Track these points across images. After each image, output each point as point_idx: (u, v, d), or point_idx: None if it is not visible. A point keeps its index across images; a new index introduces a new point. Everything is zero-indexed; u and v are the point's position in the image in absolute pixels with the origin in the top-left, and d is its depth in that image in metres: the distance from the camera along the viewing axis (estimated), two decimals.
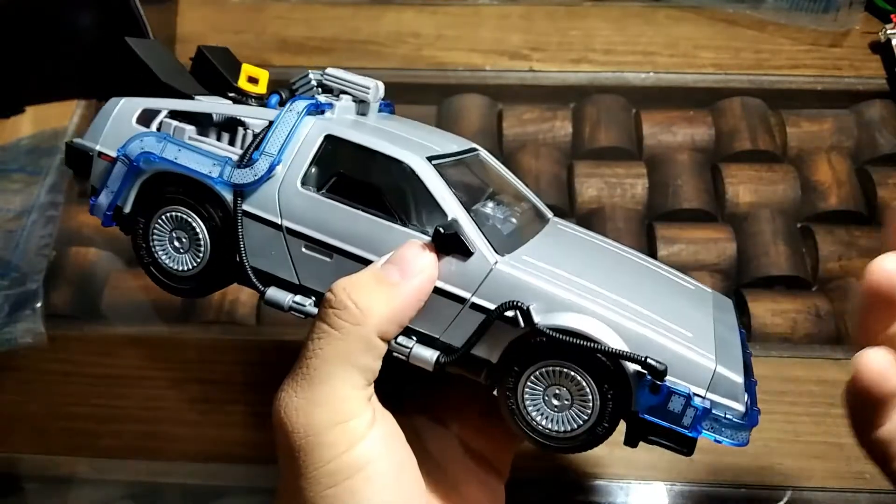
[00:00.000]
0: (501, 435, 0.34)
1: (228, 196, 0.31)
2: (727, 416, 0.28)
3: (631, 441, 0.30)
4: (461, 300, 0.29)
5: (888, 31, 0.60)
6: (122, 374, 0.49)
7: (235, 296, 0.52)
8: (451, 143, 0.36)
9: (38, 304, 0.50)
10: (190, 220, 0.32)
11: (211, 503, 0.45)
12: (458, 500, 0.33)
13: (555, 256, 0.32)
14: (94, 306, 0.52)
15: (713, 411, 0.28)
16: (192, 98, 0.35)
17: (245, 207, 0.31)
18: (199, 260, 0.33)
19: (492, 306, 0.29)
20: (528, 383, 0.29)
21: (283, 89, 0.35)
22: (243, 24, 0.66)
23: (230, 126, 0.33)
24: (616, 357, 0.28)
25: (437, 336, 0.30)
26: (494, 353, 0.29)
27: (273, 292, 0.31)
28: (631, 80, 0.61)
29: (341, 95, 0.35)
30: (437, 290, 0.29)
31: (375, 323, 0.28)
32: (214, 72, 0.36)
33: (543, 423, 0.30)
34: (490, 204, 0.34)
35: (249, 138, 0.33)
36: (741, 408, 0.28)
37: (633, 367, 0.28)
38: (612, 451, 0.44)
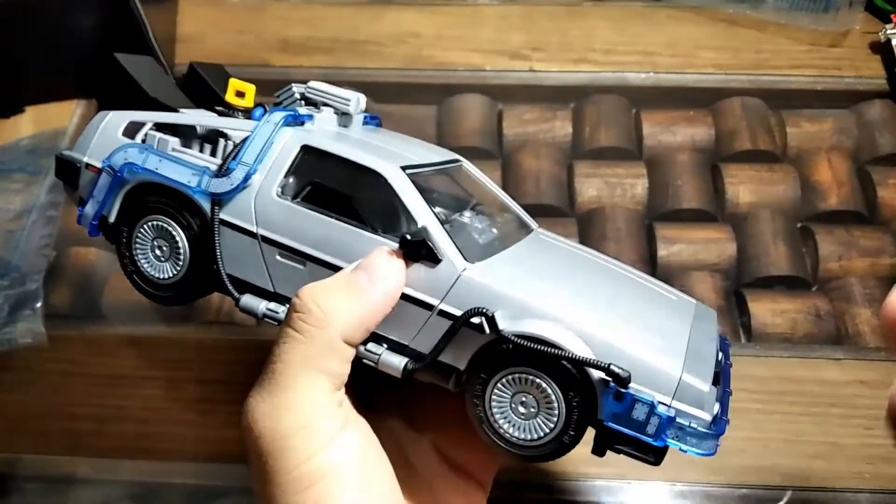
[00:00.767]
0: (483, 447, 0.34)
1: (206, 205, 0.32)
2: (692, 424, 0.27)
3: (598, 450, 0.29)
4: (429, 307, 0.29)
5: (888, 31, 0.60)
6: (121, 375, 0.49)
7: None
8: (431, 154, 0.36)
9: (38, 304, 0.50)
10: (170, 228, 0.33)
11: (210, 503, 0.45)
12: None
13: (529, 265, 0.32)
14: (94, 306, 0.52)
15: (678, 420, 0.27)
16: (177, 111, 0.35)
17: (222, 216, 0.32)
18: (178, 268, 0.33)
19: (459, 313, 0.29)
20: (495, 390, 0.29)
21: (268, 103, 0.36)
22: (244, 24, 0.66)
23: (213, 138, 0.34)
24: (580, 364, 0.28)
25: (407, 343, 0.30)
26: (462, 360, 0.29)
27: (247, 299, 0.32)
28: (631, 81, 0.61)
29: (323, 108, 0.35)
30: (405, 297, 0.29)
31: (340, 327, 0.28)
32: (205, 87, 0.37)
33: (511, 431, 0.29)
34: (468, 213, 0.34)
35: (230, 149, 0.33)
36: (707, 417, 0.28)
37: (597, 374, 0.28)
38: (611, 452, 0.44)
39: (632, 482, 0.44)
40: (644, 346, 0.29)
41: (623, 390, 0.27)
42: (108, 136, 0.35)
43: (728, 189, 0.55)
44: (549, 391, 0.28)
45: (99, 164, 0.34)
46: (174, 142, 0.34)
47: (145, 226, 0.34)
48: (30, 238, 0.53)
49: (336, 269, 0.30)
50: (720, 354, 0.32)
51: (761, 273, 0.52)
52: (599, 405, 0.28)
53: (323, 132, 0.34)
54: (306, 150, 0.32)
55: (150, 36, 0.57)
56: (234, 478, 0.45)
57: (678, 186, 0.56)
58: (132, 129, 0.35)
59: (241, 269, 0.32)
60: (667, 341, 0.30)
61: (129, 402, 0.48)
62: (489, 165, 0.57)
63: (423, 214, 0.30)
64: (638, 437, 0.28)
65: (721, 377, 0.31)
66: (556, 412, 0.29)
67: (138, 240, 0.34)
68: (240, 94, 0.36)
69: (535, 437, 0.29)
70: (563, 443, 0.29)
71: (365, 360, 0.30)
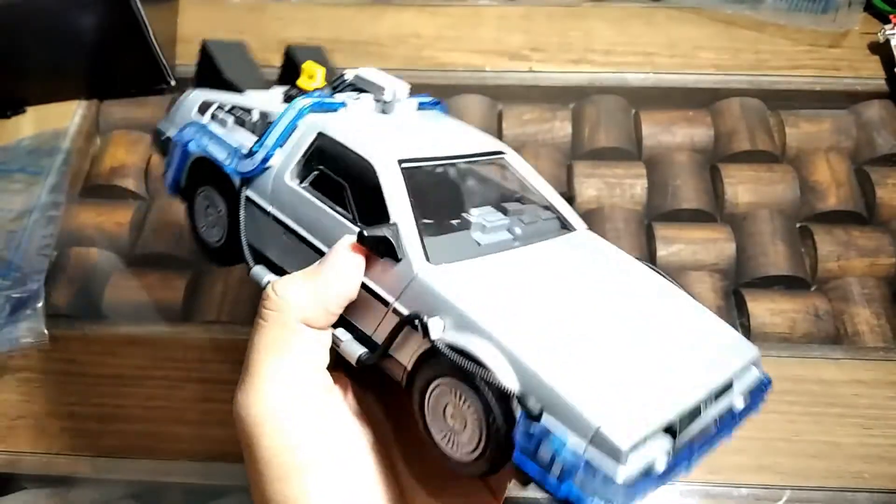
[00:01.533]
0: None
1: (237, 181, 0.35)
2: (603, 476, 0.24)
3: (521, 479, 0.27)
4: (386, 303, 0.29)
5: (887, 32, 0.60)
6: (123, 374, 0.49)
7: (235, 295, 0.52)
8: (466, 146, 0.35)
9: (40, 304, 0.51)
10: (216, 198, 0.37)
11: (211, 502, 0.45)
12: None
13: (512, 273, 0.30)
14: (96, 306, 0.52)
15: (586, 467, 0.24)
16: (241, 92, 0.38)
17: (249, 193, 0.34)
18: (222, 234, 0.37)
19: (407, 313, 0.28)
20: (430, 397, 0.28)
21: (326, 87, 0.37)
22: (244, 25, 0.66)
23: (260, 120, 0.36)
24: (492, 388, 0.26)
25: (370, 334, 0.30)
26: (409, 361, 0.29)
27: (257, 270, 0.34)
28: (630, 81, 0.61)
29: (362, 95, 0.36)
30: (368, 290, 0.30)
31: (293, 308, 0.29)
32: (212, 66, 0.40)
33: (441, 440, 0.28)
34: (484, 210, 0.33)
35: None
36: (618, 475, 0.24)
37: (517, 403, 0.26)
38: None
39: None
40: (579, 386, 0.25)
41: (532, 424, 0.25)
42: (185, 112, 0.39)
43: (727, 189, 0.56)
44: (474, 409, 0.27)
45: (174, 137, 0.38)
46: (231, 122, 0.37)
47: (201, 194, 0.38)
48: (31, 238, 0.53)
49: (322, 254, 0.31)
50: (740, 403, 0.29)
51: (760, 273, 0.52)
52: (514, 435, 0.26)
53: (346, 119, 0.34)
54: (321, 136, 0.33)
55: (151, 37, 0.58)
56: (235, 477, 0.45)
57: (677, 186, 0.56)
58: (204, 107, 0.38)
59: (260, 242, 0.35)
60: (625, 386, 0.26)
61: (130, 402, 0.48)
62: None
63: (398, 210, 0.30)
64: (543, 476, 0.25)
65: (713, 429, 0.28)
66: (480, 432, 0.27)
67: (196, 205, 0.38)
68: (311, 77, 0.37)
69: (462, 452, 0.28)
70: (489, 464, 0.27)
71: (333, 345, 0.31)
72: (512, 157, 0.37)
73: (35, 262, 0.52)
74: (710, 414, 0.28)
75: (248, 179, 0.34)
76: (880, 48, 0.61)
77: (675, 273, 0.53)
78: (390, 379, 0.30)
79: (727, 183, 0.56)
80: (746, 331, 0.50)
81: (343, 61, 0.63)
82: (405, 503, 0.31)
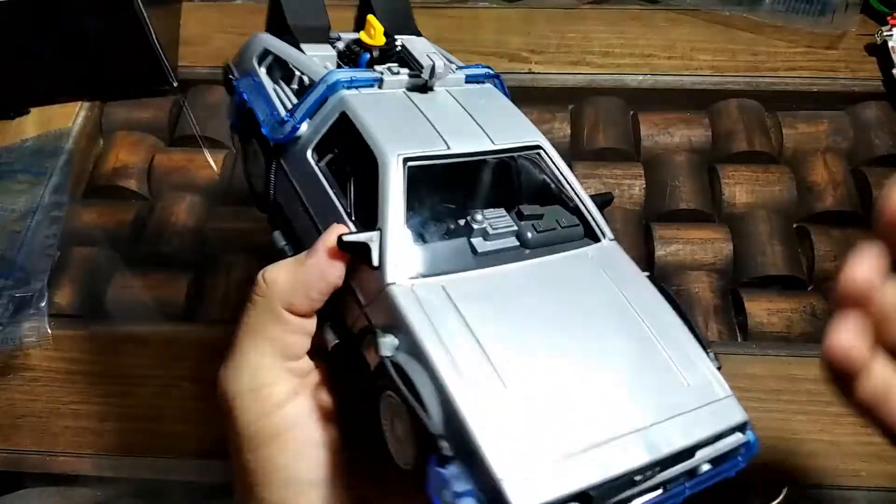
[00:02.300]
0: None
1: (271, 144, 0.34)
2: None
3: None
4: (360, 305, 0.30)
5: (884, 33, 0.61)
6: (125, 373, 0.49)
7: (237, 295, 0.52)
8: (494, 137, 0.32)
9: (43, 304, 0.51)
10: (259, 152, 0.36)
11: (214, 500, 0.45)
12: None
13: (487, 294, 0.28)
14: (98, 306, 0.53)
15: None
16: (299, 48, 0.37)
17: (281, 159, 0.34)
18: (263, 186, 0.36)
19: (372, 321, 0.29)
20: (381, 403, 0.28)
21: (376, 49, 0.36)
22: (247, 26, 0.65)
23: (302, 86, 0.36)
24: (414, 416, 0.25)
25: (349, 326, 0.31)
26: (373, 363, 0.28)
27: (276, 236, 0.34)
28: (629, 82, 0.62)
29: (402, 69, 0.34)
30: (349, 287, 0.30)
31: (277, 293, 0.30)
32: (279, 11, 0.38)
33: (390, 444, 0.28)
34: (491, 213, 0.31)
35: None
36: None
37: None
38: None
39: None
40: (500, 434, 0.24)
41: (437, 469, 0.24)
42: (247, 58, 0.38)
43: (725, 190, 0.56)
44: (407, 431, 0.26)
45: (234, 83, 0.38)
46: (280, 79, 0.36)
47: (249, 145, 0.38)
48: (34, 238, 0.54)
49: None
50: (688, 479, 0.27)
51: (757, 273, 0.52)
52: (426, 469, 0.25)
53: (372, 100, 0.33)
54: (342, 116, 0.32)
55: (154, 38, 0.58)
56: None
57: (675, 187, 0.56)
58: (262, 56, 0.37)
59: (288, 208, 0.34)
60: (552, 439, 0.24)
61: (132, 401, 0.48)
62: None
63: (389, 215, 0.28)
64: None
65: (659, 497, 0.26)
66: (413, 451, 0.26)
67: (247, 151, 0.38)
68: (368, 33, 0.36)
69: (402, 461, 0.27)
70: (420, 483, 0.26)
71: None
72: (548, 152, 0.33)
73: (38, 262, 0.53)
74: (655, 481, 0.26)
75: (280, 145, 0.34)
76: (877, 50, 0.61)
77: (674, 273, 0.53)
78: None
79: (725, 183, 0.56)
80: (744, 330, 0.50)
81: None
82: (369, 474, 0.32)
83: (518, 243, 0.30)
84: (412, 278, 0.28)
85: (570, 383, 0.26)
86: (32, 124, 0.60)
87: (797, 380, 0.47)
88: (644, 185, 0.57)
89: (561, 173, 0.33)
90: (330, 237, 0.30)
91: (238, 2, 0.69)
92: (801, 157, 0.58)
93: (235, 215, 0.56)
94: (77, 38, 0.57)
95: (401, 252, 0.28)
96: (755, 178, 0.56)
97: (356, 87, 0.33)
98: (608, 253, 0.31)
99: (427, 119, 0.32)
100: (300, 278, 0.30)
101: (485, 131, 0.32)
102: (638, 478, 0.25)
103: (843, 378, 0.28)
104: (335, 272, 0.30)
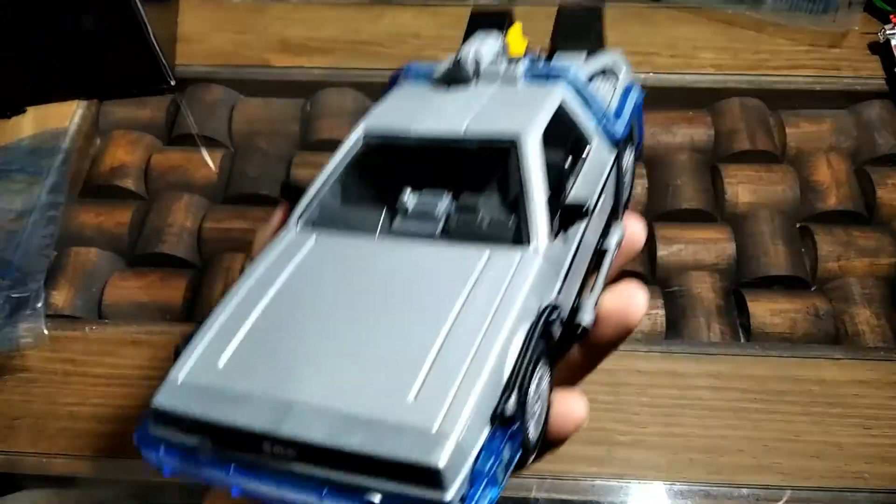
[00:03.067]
0: None
1: None
2: None
3: None
4: None
5: (887, 32, 0.60)
6: (123, 374, 0.49)
7: None
8: (467, 127, 0.31)
9: (40, 304, 0.50)
10: None
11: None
12: None
13: (344, 260, 0.28)
14: (95, 306, 0.52)
15: None
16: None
17: None
18: None
19: None
20: None
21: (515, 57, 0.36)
22: (245, 25, 0.66)
23: None
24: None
25: None
26: None
27: None
28: None
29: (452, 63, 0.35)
30: None
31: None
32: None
33: None
34: (421, 195, 0.30)
35: None
36: None
37: None
38: (611, 451, 0.45)
39: (631, 482, 0.44)
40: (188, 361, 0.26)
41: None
42: None
43: (727, 189, 0.56)
44: None
45: None
46: None
47: None
48: (31, 238, 0.53)
49: None
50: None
51: (760, 273, 0.52)
52: None
53: (416, 88, 0.35)
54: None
55: (151, 37, 0.58)
56: None
57: (677, 186, 0.56)
58: None
59: None
60: (220, 374, 0.25)
61: (130, 402, 0.48)
62: None
63: (320, 175, 0.31)
64: None
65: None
66: None
67: None
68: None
69: None
70: None
71: None
72: (523, 148, 0.30)
73: (35, 263, 0.52)
74: (295, 466, 0.23)
75: None
76: (880, 48, 0.61)
77: (676, 273, 0.53)
78: None
79: (727, 183, 0.56)
80: (746, 330, 0.50)
81: (343, 61, 0.63)
82: None
83: (437, 229, 0.29)
84: (307, 224, 0.30)
85: (291, 346, 0.25)
86: (29, 123, 0.60)
87: (800, 381, 0.47)
88: (646, 185, 0.56)
89: (526, 169, 0.29)
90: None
91: (236, 0, 0.68)
92: (804, 156, 0.58)
93: (234, 215, 0.56)
94: (74, 36, 0.57)
95: (311, 205, 0.30)
96: (758, 177, 0.56)
97: (413, 77, 0.35)
98: (512, 262, 0.27)
99: (432, 106, 0.32)
100: (259, 239, 0.31)
101: (469, 121, 0.31)
102: (266, 447, 0.23)
103: None
104: (277, 215, 0.31)
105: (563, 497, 0.44)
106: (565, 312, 0.28)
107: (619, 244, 0.33)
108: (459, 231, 0.29)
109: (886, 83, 0.60)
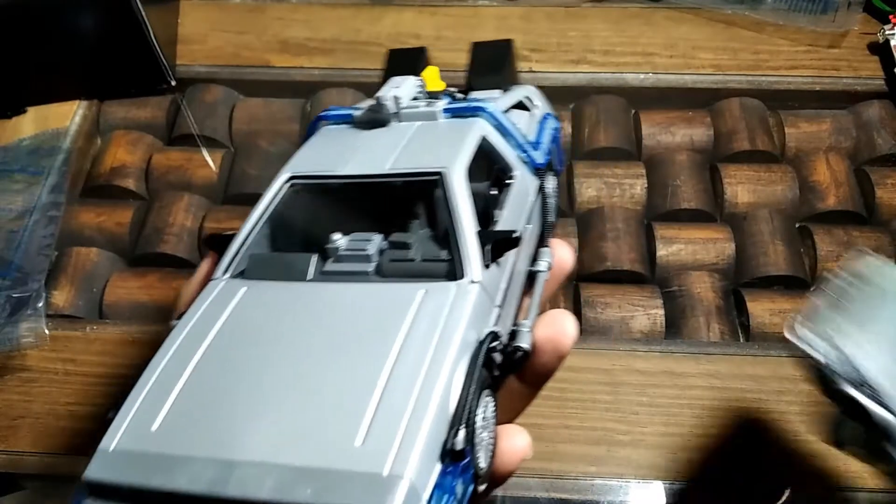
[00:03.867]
0: None
1: None
2: None
3: None
4: None
5: (886, 32, 0.60)
6: (123, 374, 0.49)
7: None
8: (392, 165, 0.31)
9: (40, 304, 0.51)
10: None
11: None
12: None
13: (275, 306, 0.27)
14: (96, 306, 0.52)
15: None
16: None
17: None
18: None
19: None
20: None
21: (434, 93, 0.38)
22: (244, 25, 0.66)
23: None
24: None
25: None
26: None
27: None
28: (630, 81, 0.61)
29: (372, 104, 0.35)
30: None
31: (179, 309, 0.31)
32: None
33: None
34: (353, 237, 0.29)
35: None
36: None
37: None
38: (610, 451, 0.45)
39: (631, 482, 0.44)
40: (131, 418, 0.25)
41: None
42: None
43: (727, 189, 0.56)
44: None
45: None
46: None
47: None
48: (31, 238, 0.53)
49: None
50: None
51: (760, 273, 0.52)
52: None
53: (337, 132, 0.35)
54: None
55: (152, 37, 0.58)
56: None
57: (677, 186, 0.56)
58: None
59: None
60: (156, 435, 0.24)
61: None
62: None
63: (246, 223, 0.31)
64: None
65: None
66: None
67: None
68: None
69: None
70: None
71: None
72: (449, 182, 0.30)
73: (35, 262, 0.52)
74: None
75: None
76: (880, 48, 0.61)
77: (675, 273, 0.53)
78: None
79: (727, 183, 0.56)
80: (746, 330, 0.50)
81: (343, 61, 0.63)
82: None
83: (371, 268, 0.29)
84: (236, 275, 0.29)
85: (229, 402, 0.24)
86: (30, 123, 0.60)
87: (799, 381, 0.47)
88: (645, 185, 0.57)
89: (454, 203, 0.29)
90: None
91: (236, 0, 0.68)
92: (803, 156, 0.58)
93: (234, 215, 0.56)
94: (75, 36, 0.57)
95: (238, 254, 0.30)
96: (757, 177, 0.56)
97: (334, 122, 0.35)
98: (448, 296, 0.26)
99: (355, 147, 0.33)
100: (185, 294, 0.31)
101: (394, 158, 0.31)
102: None
103: None
104: (203, 267, 0.32)
105: (563, 496, 0.44)
106: (504, 339, 0.28)
107: (549, 267, 0.33)
108: (393, 269, 0.28)
109: (886, 83, 0.60)
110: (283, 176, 0.32)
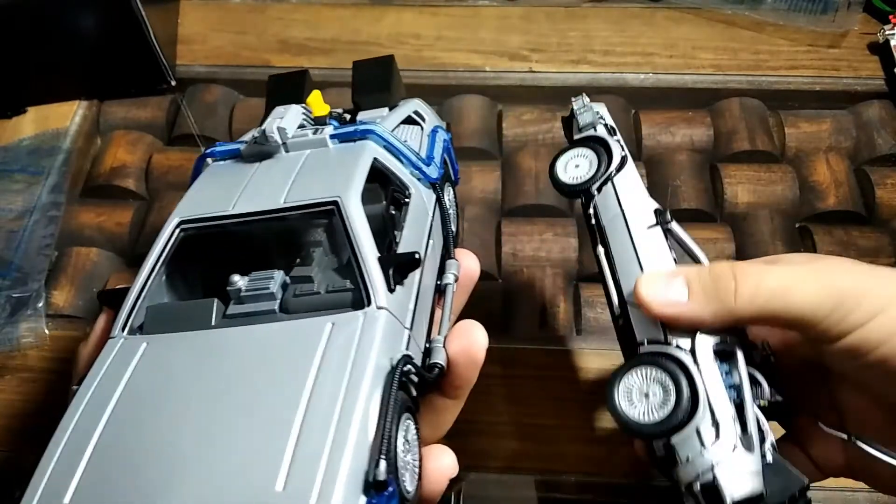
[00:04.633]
0: None
1: None
2: None
3: None
4: None
5: (886, 32, 0.60)
6: None
7: None
8: (286, 198, 0.31)
9: (40, 304, 0.51)
10: None
11: None
12: None
13: (181, 356, 0.27)
14: (96, 306, 0.52)
15: None
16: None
17: None
18: None
19: None
20: None
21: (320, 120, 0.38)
22: (245, 25, 0.66)
23: None
24: None
25: None
26: None
27: None
28: (630, 81, 0.61)
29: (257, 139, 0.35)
30: None
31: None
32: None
33: None
34: (253, 276, 0.29)
35: None
36: None
37: None
38: (610, 450, 0.45)
39: (631, 481, 0.44)
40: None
41: None
42: None
43: (727, 189, 0.56)
44: None
45: None
46: None
47: None
48: (31, 238, 0.53)
49: None
50: None
51: None
52: None
53: (224, 167, 0.34)
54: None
55: (152, 37, 0.58)
56: None
57: (677, 187, 0.56)
58: None
59: None
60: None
61: None
62: (489, 166, 0.58)
63: (140, 274, 0.30)
64: None
65: None
66: None
67: None
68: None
69: None
70: None
71: None
72: (348, 210, 0.29)
73: (35, 262, 0.52)
74: None
75: None
76: (880, 48, 0.61)
77: None
78: None
79: (727, 183, 0.56)
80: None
81: (343, 61, 0.63)
82: None
83: (275, 306, 0.28)
84: (134, 331, 0.28)
85: (143, 461, 0.24)
86: (30, 123, 0.60)
87: None
88: (645, 185, 0.56)
89: (353, 231, 0.29)
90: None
91: (236, 0, 0.68)
92: (803, 156, 0.58)
93: None
94: (75, 36, 0.57)
95: (135, 309, 0.29)
96: (757, 177, 0.56)
97: (220, 158, 0.34)
98: (356, 325, 0.26)
99: (245, 184, 0.32)
100: (83, 357, 0.31)
101: (287, 191, 0.31)
102: None
103: None
104: (98, 325, 0.31)
105: (563, 496, 0.44)
106: (419, 358, 0.28)
107: (456, 279, 0.33)
108: (298, 304, 0.28)
109: (886, 83, 0.60)
110: (173, 221, 0.31)
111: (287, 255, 0.31)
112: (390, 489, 0.22)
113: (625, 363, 0.31)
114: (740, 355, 0.29)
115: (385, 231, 0.31)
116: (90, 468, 0.24)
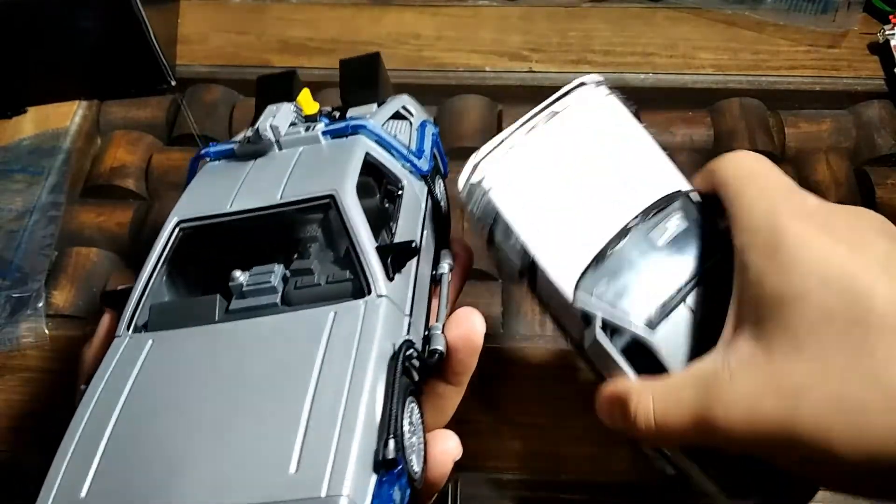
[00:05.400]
0: None
1: None
2: None
3: None
4: None
5: (886, 32, 0.60)
6: None
7: None
8: (282, 193, 0.31)
9: (40, 304, 0.51)
10: None
11: None
12: None
13: (187, 350, 0.28)
14: (96, 306, 0.52)
15: None
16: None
17: None
18: None
19: None
20: None
21: (311, 117, 0.38)
22: (245, 25, 0.66)
23: None
24: None
25: None
26: None
27: None
28: (630, 81, 0.61)
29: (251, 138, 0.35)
30: None
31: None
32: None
33: None
34: (253, 271, 0.29)
35: None
36: None
37: None
38: (610, 450, 0.45)
39: (631, 481, 0.44)
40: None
41: None
42: None
43: None
44: None
45: None
46: None
47: None
48: (31, 238, 0.54)
49: None
50: None
51: None
52: None
53: (220, 166, 0.35)
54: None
55: (152, 36, 0.58)
56: None
57: None
58: None
59: None
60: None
61: None
62: None
63: (142, 274, 0.30)
64: None
65: None
66: None
67: None
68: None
69: None
70: None
71: None
72: (345, 203, 0.30)
73: (35, 262, 0.52)
74: None
75: None
76: (880, 48, 0.61)
77: None
78: None
79: None
80: None
81: None
82: None
83: (277, 299, 0.29)
84: (138, 329, 0.29)
85: (157, 455, 0.24)
86: (30, 123, 0.60)
87: None
88: None
89: (350, 223, 0.30)
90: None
91: (236, 0, 0.68)
92: (803, 156, 0.58)
93: None
94: (75, 36, 0.57)
95: (138, 308, 0.29)
96: None
97: (215, 158, 0.35)
98: (358, 313, 0.27)
99: (241, 182, 0.33)
100: (88, 357, 0.32)
101: (283, 187, 0.31)
102: None
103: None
104: (102, 326, 0.31)
105: (563, 496, 0.44)
106: (419, 344, 0.29)
107: (451, 268, 0.34)
108: (300, 296, 0.28)
109: (886, 83, 0.60)
110: (172, 221, 0.31)
111: (285, 251, 0.31)
112: (399, 466, 0.23)
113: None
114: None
115: (381, 223, 0.32)
116: (104, 462, 0.25)
